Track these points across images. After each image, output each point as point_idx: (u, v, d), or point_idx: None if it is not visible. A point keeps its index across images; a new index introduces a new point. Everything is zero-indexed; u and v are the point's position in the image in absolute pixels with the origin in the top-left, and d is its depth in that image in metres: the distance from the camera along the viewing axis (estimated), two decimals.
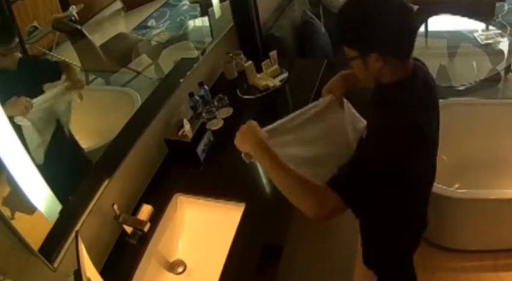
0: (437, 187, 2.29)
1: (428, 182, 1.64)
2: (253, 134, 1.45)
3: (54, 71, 1.81)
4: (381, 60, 1.30)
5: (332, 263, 2.16)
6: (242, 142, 1.48)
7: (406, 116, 1.31)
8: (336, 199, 1.27)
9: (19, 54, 1.56)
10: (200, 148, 2.08)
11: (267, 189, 1.93)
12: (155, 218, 1.82)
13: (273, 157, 1.38)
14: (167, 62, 2.53)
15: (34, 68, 1.73)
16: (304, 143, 1.63)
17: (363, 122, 1.71)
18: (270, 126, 1.58)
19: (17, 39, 1.57)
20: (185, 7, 2.86)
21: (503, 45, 3.79)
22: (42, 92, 1.73)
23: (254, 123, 1.49)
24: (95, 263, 1.39)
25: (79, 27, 1.87)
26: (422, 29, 4.09)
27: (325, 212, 1.30)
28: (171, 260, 1.86)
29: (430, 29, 4.14)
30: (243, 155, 1.53)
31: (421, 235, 1.85)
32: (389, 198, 1.43)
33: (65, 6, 1.77)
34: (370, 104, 1.48)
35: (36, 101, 1.54)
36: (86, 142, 1.82)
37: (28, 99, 1.58)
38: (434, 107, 1.48)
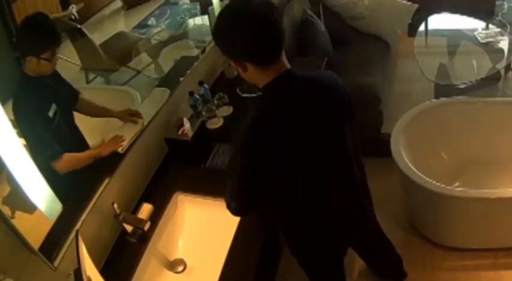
0: (437, 186, 2.29)
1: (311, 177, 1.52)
2: None
3: (76, 91, 1.82)
4: (240, 65, 1.36)
5: None
6: None
7: (254, 119, 1.42)
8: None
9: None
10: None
11: None
12: (155, 217, 1.82)
13: None
14: (167, 60, 2.53)
15: (61, 82, 1.74)
16: None
17: None
18: None
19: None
20: (185, 6, 2.86)
21: (503, 44, 3.77)
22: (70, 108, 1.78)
23: None
24: (95, 262, 1.39)
25: (79, 26, 1.87)
26: (422, 27, 4.08)
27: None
28: (171, 259, 1.86)
29: (430, 27, 4.13)
30: None
31: (334, 232, 1.71)
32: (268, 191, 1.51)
33: (64, 5, 1.77)
34: None
35: None
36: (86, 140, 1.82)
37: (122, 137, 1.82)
38: (318, 111, 1.44)
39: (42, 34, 1.56)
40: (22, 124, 1.45)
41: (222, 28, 1.35)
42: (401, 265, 2.29)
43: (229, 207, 1.53)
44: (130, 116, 1.97)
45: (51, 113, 1.60)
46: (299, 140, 1.41)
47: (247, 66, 1.36)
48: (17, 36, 1.49)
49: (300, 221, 1.65)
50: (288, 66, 1.41)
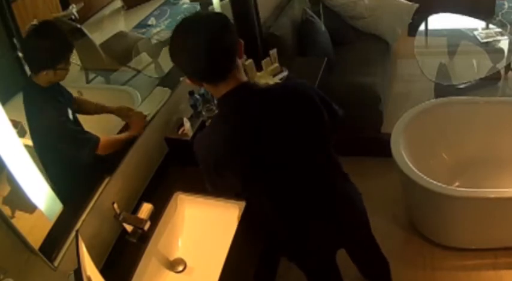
0: (438, 186, 2.29)
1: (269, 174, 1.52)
2: None
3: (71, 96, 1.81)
4: (196, 83, 1.42)
5: None
6: None
7: (214, 127, 1.51)
8: None
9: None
10: None
11: None
12: (155, 217, 1.82)
13: None
14: (167, 60, 2.51)
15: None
16: None
17: None
18: None
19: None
20: (185, 5, 2.85)
21: (503, 43, 3.77)
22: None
23: None
24: (95, 262, 1.39)
25: (79, 26, 1.87)
26: (422, 27, 4.08)
27: None
28: (171, 258, 1.86)
29: (430, 27, 4.14)
30: None
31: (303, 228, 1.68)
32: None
33: (64, 4, 1.76)
34: None
35: None
36: None
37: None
38: (275, 113, 1.46)
39: (57, 46, 1.54)
40: (53, 133, 1.53)
41: (171, 51, 1.38)
42: (388, 270, 2.23)
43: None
44: (127, 111, 1.99)
45: (71, 116, 1.64)
46: (247, 148, 1.44)
47: (201, 83, 1.42)
48: (27, 52, 1.47)
49: (273, 221, 1.68)
50: (243, 79, 1.43)
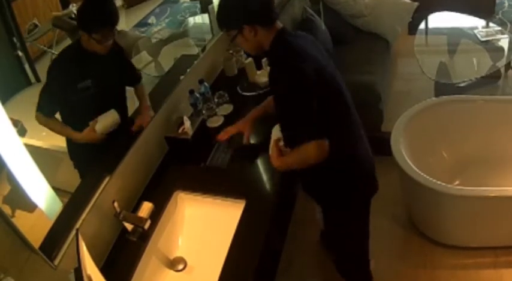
0: (438, 184, 2.29)
1: (342, 108, 1.79)
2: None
3: (135, 78, 2.03)
4: (252, 30, 1.66)
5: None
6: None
7: (287, 63, 1.65)
8: (312, 144, 1.61)
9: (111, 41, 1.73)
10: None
11: (268, 186, 1.93)
12: (155, 216, 1.82)
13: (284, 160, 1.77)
14: (167, 59, 2.53)
15: (121, 62, 1.91)
16: None
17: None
18: None
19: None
20: (185, 4, 2.86)
21: (504, 42, 3.77)
22: (122, 90, 1.97)
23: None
24: (96, 261, 1.39)
25: None
26: (422, 26, 4.08)
27: (321, 155, 1.63)
28: (171, 257, 1.86)
29: (430, 25, 4.14)
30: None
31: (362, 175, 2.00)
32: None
33: (64, 4, 1.76)
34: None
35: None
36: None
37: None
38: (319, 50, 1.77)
39: (95, 15, 1.69)
40: (49, 78, 1.61)
41: (236, 1, 1.69)
42: None
43: (302, 139, 1.65)
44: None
45: (81, 86, 1.70)
46: (323, 68, 1.67)
47: (257, 29, 1.66)
48: (78, 9, 1.68)
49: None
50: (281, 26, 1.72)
